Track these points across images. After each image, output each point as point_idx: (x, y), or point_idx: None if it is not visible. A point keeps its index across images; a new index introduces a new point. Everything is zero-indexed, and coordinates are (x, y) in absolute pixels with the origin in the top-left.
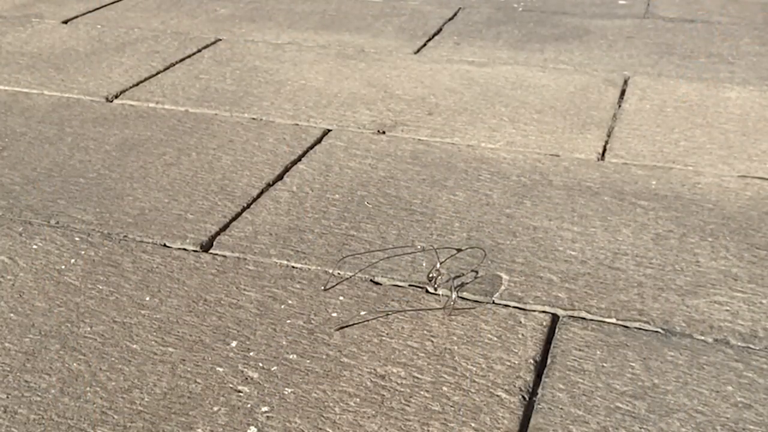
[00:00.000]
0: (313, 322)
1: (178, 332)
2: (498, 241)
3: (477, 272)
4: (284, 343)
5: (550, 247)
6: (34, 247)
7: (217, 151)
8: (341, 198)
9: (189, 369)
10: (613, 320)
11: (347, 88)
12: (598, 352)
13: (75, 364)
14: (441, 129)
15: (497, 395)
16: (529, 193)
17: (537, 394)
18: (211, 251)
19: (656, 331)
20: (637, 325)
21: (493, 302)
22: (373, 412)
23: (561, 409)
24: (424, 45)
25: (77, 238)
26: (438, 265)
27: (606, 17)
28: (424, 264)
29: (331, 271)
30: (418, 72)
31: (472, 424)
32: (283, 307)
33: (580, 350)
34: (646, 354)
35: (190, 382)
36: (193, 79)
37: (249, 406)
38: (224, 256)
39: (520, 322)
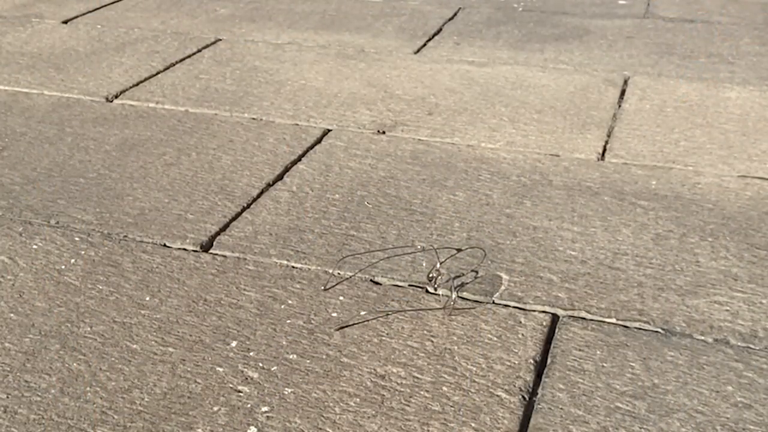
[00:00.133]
0: (313, 322)
1: (178, 332)
2: (498, 241)
3: (477, 272)
4: (284, 343)
5: (550, 247)
6: (34, 247)
7: (217, 151)
8: (341, 198)
9: (189, 369)
10: (613, 320)
11: (347, 88)
12: (598, 352)
13: (75, 364)
14: (441, 129)
15: (497, 395)
16: (529, 193)
17: (537, 394)
18: (211, 251)
19: (656, 331)
20: (637, 325)
21: (493, 302)
22: (373, 412)
23: (561, 409)
24: (424, 45)
25: (77, 238)
26: (438, 265)
27: (606, 17)
28: (424, 264)
29: (331, 271)
30: (418, 72)
31: (472, 424)
32: (283, 307)
33: (580, 350)
34: (646, 354)
35: (190, 382)
36: (193, 79)
37: (249, 406)
38: (224, 256)
39: (520, 322)
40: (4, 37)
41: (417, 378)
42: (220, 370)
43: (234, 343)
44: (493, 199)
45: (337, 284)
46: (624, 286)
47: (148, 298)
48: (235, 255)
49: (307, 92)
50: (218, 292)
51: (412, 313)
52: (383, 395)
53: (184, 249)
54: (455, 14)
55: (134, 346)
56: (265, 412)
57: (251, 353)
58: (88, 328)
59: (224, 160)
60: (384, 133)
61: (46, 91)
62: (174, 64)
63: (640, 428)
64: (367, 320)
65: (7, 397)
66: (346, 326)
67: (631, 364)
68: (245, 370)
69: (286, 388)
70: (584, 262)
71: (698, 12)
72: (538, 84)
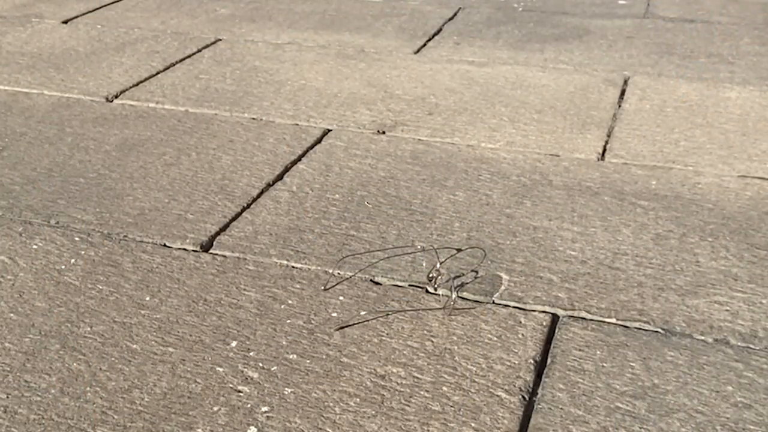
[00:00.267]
0: (313, 322)
1: (178, 332)
2: (498, 241)
3: (477, 272)
4: (284, 343)
5: (550, 247)
6: (34, 247)
7: (217, 151)
8: (341, 198)
9: (189, 369)
10: (613, 320)
11: (347, 88)
12: (598, 352)
13: (75, 364)
14: (441, 129)
15: (497, 395)
16: (529, 193)
17: (537, 394)
18: (211, 251)
19: (656, 331)
20: (637, 325)
21: (493, 302)
22: (373, 412)
23: (561, 409)
24: (424, 45)
25: (77, 238)
26: (438, 265)
27: (606, 17)
28: (424, 264)
29: (331, 271)
30: (418, 72)
31: (472, 424)
32: (283, 307)
33: (580, 350)
34: (646, 354)
35: (190, 382)
36: (193, 79)
37: (249, 406)
38: (224, 256)
39: (520, 322)
40: (4, 37)
41: (417, 378)
42: (220, 370)
43: (234, 343)
44: (493, 199)
45: (337, 284)
46: (624, 286)
47: (148, 298)
48: (235, 255)
49: (307, 92)
50: (218, 292)
51: (412, 313)
52: (383, 395)
53: (184, 249)
54: (455, 14)
55: (134, 346)
56: (265, 412)
57: (251, 353)
58: (88, 328)
59: (224, 160)
60: (384, 133)
61: (46, 91)
62: (174, 64)
63: (640, 428)
64: (367, 320)
65: (7, 397)
66: (346, 326)
67: (631, 364)
68: (245, 370)
69: (286, 388)
70: (584, 262)
71: (698, 12)
72: (538, 84)
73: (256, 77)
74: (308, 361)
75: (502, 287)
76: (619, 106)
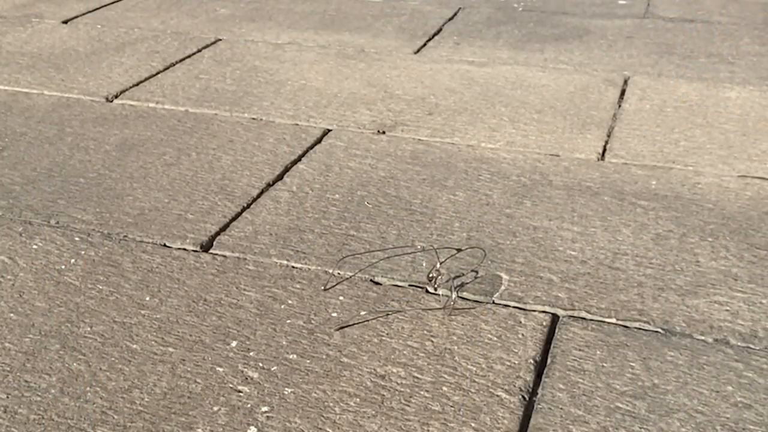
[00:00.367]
0: (313, 322)
1: (178, 332)
2: (498, 241)
3: (477, 272)
4: (284, 343)
5: (550, 247)
6: (34, 247)
7: (217, 151)
8: (341, 198)
9: (189, 369)
10: (613, 320)
11: (347, 88)
12: (598, 352)
13: (75, 364)
14: (441, 129)
15: (497, 395)
16: (529, 193)
17: (537, 394)
18: (211, 251)
19: (656, 331)
20: (637, 325)
21: (493, 302)
22: (373, 412)
23: (561, 409)
24: (424, 45)
25: (77, 238)
26: (438, 265)
27: (606, 17)
28: (424, 264)
29: (331, 271)
30: (418, 72)
31: (472, 424)
32: (283, 307)
33: (580, 350)
34: (646, 354)
35: (190, 382)
36: (193, 79)
37: (249, 406)
38: (224, 256)
39: (520, 322)
40: (4, 37)
41: (417, 378)
42: (220, 370)
43: (234, 343)
44: (493, 199)
45: (337, 284)
46: (624, 286)
47: (148, 298)
48: (235, 255)
49: (307, 92)
50: (218, 292)
51: (412, 313)
52: (383, 395)
53: (184, 249)
54: (455, 14)
55: (134, 346)
56: (265, 412)
57: (251, 353)
58: (88, 328)
59: (224, 160)
60: (384, 133)
61: (46, 91)
62: (174, 64)
63: (640, 428)
64: (367, 320)
65: (7, 397)
66: (346, 326)
67: (631, 364)
68: (245, 370)
69: (286, 388)
70: (584, 262)
71: (698, 12)
72: (538, 84)
73: (256, 77)
74: (308, 361)
75: (502, 287)
76: (619, 106)
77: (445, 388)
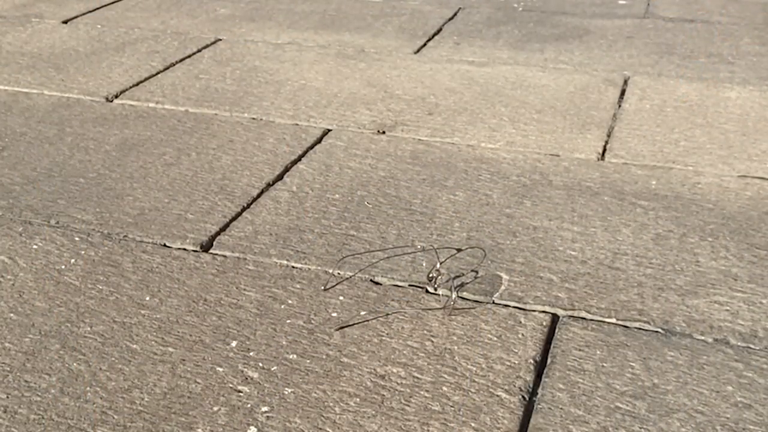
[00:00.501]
0: (313, 322)
1: (178, 332)
2: (498, 241)
3: (477, 272)
4: (284, 343)
5: (550, 247)
6: (34, 247)
7: (217, 151)
8: (341, 198)
9: (189, 369)
10: (613, 320)
11: (347, 88)
12: (598, 352)
13: (75, 364)
14: (441, 129)
15: (497, 395)
16: (529, 193)
17: (537, 394)
18: (211, 251)
19: (656, 331)
20: (637, 325)
21: (493, 302)
22: (373, 412)
23: (561, 409)
24: (424, 45)
25: (77, 238)
26: (438, 265)
27: (606, 17)
28: (424, 264)
29: (331, 271)
30: (418, 72)
31: (472, 424)
32: (283, 307)
33: (580, 350)
34: (646, 354)
35: (190, 382)
36: (193, 79)
37: (249, 406)
38: (224, 256)
39: (520, 322)
40: (4, 37)
41: (417, 378)
42: (220, 370)
43: (234, 343)
44: (493, 199)
45: (337, 284)
46: (624, 286)
47: (148, 298)
48: (235, 255)
49: (307, 92)
50: (218, 292)
51: (412, 313)
52: (383, 395)
53: (184, 249)
54: (455, 14)
55: (134, 346)
56: (265, 412)
57: (251, 353)
58: (88, 328)
59: (224, 160)
60: (384, 133)
61: (46, 91)
62: (174, 64)
63: (640, 428)
64: (367, 320)
65: (7, 397)
66: (346, 326)
67: (631, 364)
68: (245, 370)
69: (286, 388)
70: (584, 262)
71: (698, 12)
72: (538, 84)
73: (256, 77)
74: (308, 361)
75: (502, 287)
76: (619, 106)
77: (445, 388)
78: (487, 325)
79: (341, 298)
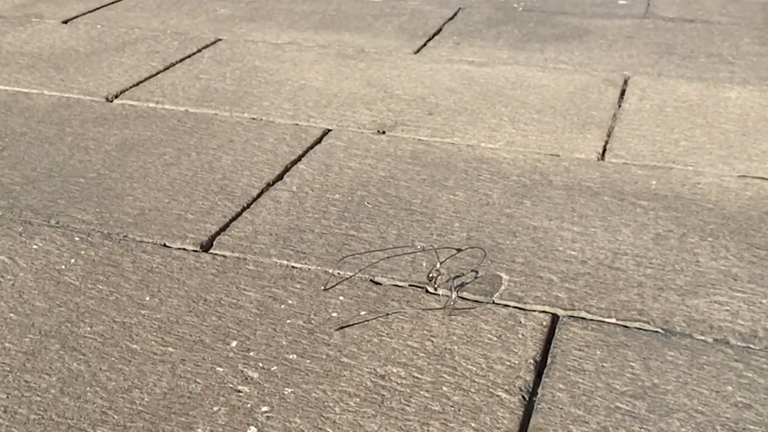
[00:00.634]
0: (313, 322)
1: (178, 332)
2: (498, 241)
3: (477, 272)
4: (284, 343)
5: (550, 247)
6: (34, 247)
7: (217, 151)
8: (341, 198)
9: (189, 369)
10: (613, 320)
11: (347, 88)
12: (598, 352)
13: (75, 364)
14: (441, 129)
15: (497, 395)
16: (529, 193)
17: (537, 394)
18: (211, 251)
19: (656, 331)
20: (637, 325)
21: (493, 302)
22: (373, 412)
23: (561, 409)
24: (424, 45)
25: (77, 238)
26: (438, 265)
27: (606, 17)
28: (424, 264)
29: (331, 271)
30: (418, 72)
31: (472, 424)
32: (283, 307)
33: (580, 350)
34: (646, 354)
35: (190, 382)
36: (193, 79)
37: (249, 406)
38: (224, 256)
39: (520, 322)
40: (4, 37)
41: (417, 378)
42: (220, 370)
43: (234, 343)
44: (493, 199)
45: (337, 284)
46: (624, 286)
47: (148, 298)
48: (235, 255)
49: (307, 92)
50: (218, 292)
51: (412, 313)
52: (383, 395)
53: (184, 249)
54: (455, 14)
55: (134, 346)
56: (265, 412)
57: (251, 353)
58: (88, 328)
59: (224, 160)
60: (384, 133)
61: (46, 91)
62: (174, 64)
63: (640, 428)
64: (367, 320)
65: (7, 397)
66: (346, 326)
67: (631, 364)
68: (245, 370)
69: (286, 388)
70: (584, 262)
71: (698, 12)
72: (538, 84)
73: (256, 77)
74: (308, 361)
75: (502, 287)
76: (619, 106)
77: (445, 388)
78: (487, 325)
79: (341, 298)
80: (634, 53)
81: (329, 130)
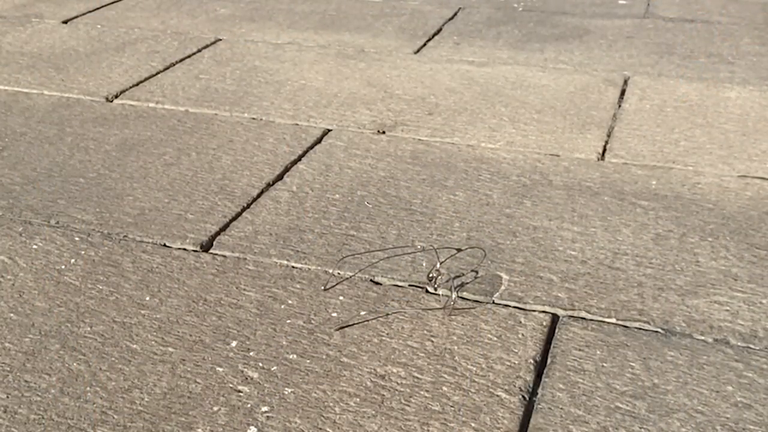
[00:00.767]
0: (313, 322)
1: (178, 332)
2: (498, 241)
3: (477, 272)
4: (284, 343)
5: (550, 247)
6: (34, 247)
7: (217, 151)
8: (341, 198)
9: (189, 369)
10: (613, 320)
11: (347, 88)
12: (598, 352)
13: (75, 364)
14: (441, 129)
15: (497, 395)
16: (529, 193)
17: (537, 394)
18: (211, 251)
19: (656, 331)
20: (637, 325)
21: (493, 302)
22: (373, 412)
23: (561, 409)
24: (424, 45)
25: (77, 238)
26: (438, 265)
27: (606, 17)
28: (424, 264)
29: (331, 271)
30: (418, 72)
31: (472, 424)
32: (283, 307)
33: (580, 350)
34: (646, 354)
35: (190, 382)
36: (193, 79)
37: (249, 406)
38: (224, 256)
39: (520, 322)
40: (4, 37)
41: (417, 378)
42: (220, 370)
43: (234, 343)
44: (493, 199)
45: (337, 284)
46: (624, 286)
47: (148, 298)
48: (235, 255)
49: (307, 92)
50: (218, 292)
51: (412, 313)
52: (383, 395)
53: (184, 249)
54: (455, 14)
55: (134, 346)
56: (265, 412)
57: (251, 353)
58: (88, 328)
59: (224, 160)
60: (384, 133)
61: (46, 91)
62: (174, 64)
63: (640, 428)
64: (367, 320)
65: (7, 397)
66: (346, 326)
67: (631, 364)
68: (245, 370)
69: (286, 388)
70: (584, 262)
71: (698, 12)
72: (538, 84)
73: (256, 77)
74: (308, 361)
75: (502, 287)
76: (619, 106)
77: (445, 388)
78: (487, 325)
79: (341, 298)
80: (634, 53)
81: (329, 130)
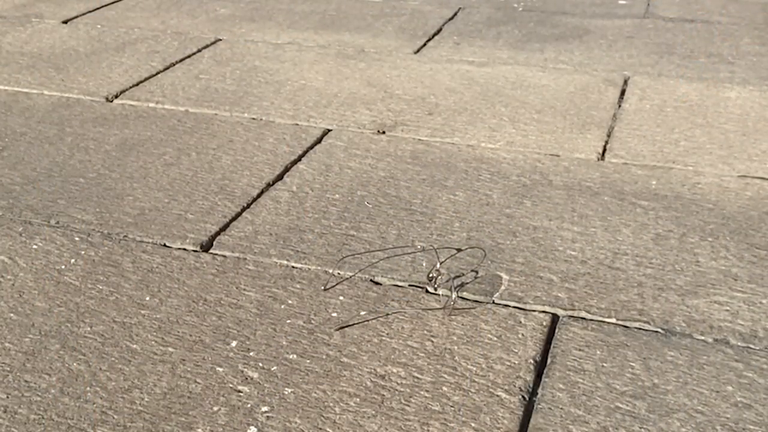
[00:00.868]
0: (313, 322)
1: (178, 332)
2: (498, 241)
3: (477, 272)
4: (284, 343)
5: (550, 247)
6: (34, 247)
7: (217, 151)
8: (341, 198)
9: (189, 369)
10: (613, 320)
11: (347, 88)
12: (598, 352)
13: (75, 364)
14: (441, 129)
15: (497, 395)
16: (529, 193)
17: (537, 394)
18: (211, 251)
19: (656, 331)
20: (637, 325)
21: (493, 302)
22: (373, 412)
23: (561, 409)
24: (424, 45)
25: (77, 238)
26: (438, 265)
27: (606, 17)
28: (424, 264)
29: (331, 271)
30: (418, 72)
31: (472, 424)
32: (283, 307)
33: (580, 350)
34: (646, 354)
35: (190, 382)
36: (193, 79)
37: (249, 406)
38: (224, 256)
39: (520, 322)
40: (4, 37)
41: (417, 378)
42: (220, 370)
43: (234, 343)
44: (493, 199)
45: (337, 284)
46: (624, 286)
47: (148, 298)
48: (235, 255)
49: (307, 92)
50: (218, 292)
51: (412, 313)
52: (383, 395)
53: (184, 249)
54: (455, 14)
55: (134, 346)
56: (265, 412)
57: (251, 353)
58: (88, 328)
59: (224, 160)
60: (384, 133)
61: (46, 91)
62: (174, 64)
63: (640, 428)
64: (367, 320)
65: (7, 397)
66: (346, 326)
67: (631, 364)
68: (245, 370)
69: (286, 388)
70: (584, 262)
71: (698, 12)
72: (538, 84)
73: (256, 77)
74: (308, 361)
75: (502, 287)
76: (619, 106)
77: (445, 388)
78: (487, 325)
79: (341, 298)
80: (634, 53)
81: (329, 130)
